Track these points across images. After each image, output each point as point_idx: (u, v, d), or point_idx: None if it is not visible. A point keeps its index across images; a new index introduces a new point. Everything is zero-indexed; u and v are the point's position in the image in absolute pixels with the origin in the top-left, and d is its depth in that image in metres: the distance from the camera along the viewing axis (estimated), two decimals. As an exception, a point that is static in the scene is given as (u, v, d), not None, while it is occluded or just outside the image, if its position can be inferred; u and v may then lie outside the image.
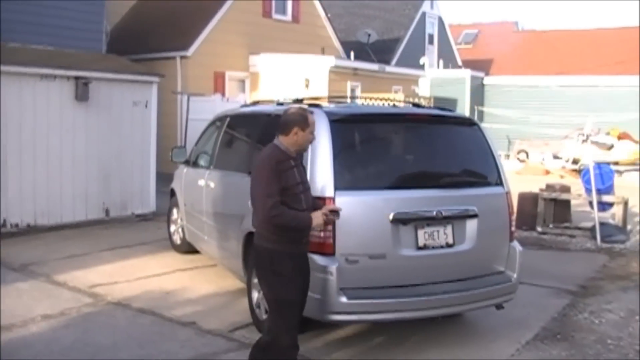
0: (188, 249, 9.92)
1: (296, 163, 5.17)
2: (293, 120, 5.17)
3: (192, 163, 9.67)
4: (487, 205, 6.54)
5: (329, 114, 6.21)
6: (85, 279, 8.63)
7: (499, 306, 6.74)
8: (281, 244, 5.05)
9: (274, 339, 5.12)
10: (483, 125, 7.23)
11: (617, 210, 12.92)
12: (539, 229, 12.91)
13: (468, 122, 7.06)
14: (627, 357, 6.45)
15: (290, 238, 5.07)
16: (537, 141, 28.86)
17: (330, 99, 8.57)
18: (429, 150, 6.70)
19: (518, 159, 29.08)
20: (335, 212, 5.20)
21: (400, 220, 5.93)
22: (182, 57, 20.02)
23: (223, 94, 19.90)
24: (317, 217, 5.06)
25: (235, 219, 7.37)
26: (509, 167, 26.62)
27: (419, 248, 6.09)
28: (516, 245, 6.82)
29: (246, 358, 5.33)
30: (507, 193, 6.78)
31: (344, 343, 6.61)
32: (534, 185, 14.60)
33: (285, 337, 5.11)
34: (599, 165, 13.31)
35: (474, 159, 6.89)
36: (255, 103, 9.10)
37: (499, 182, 6.79)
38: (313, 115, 5.27)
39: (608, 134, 27.20)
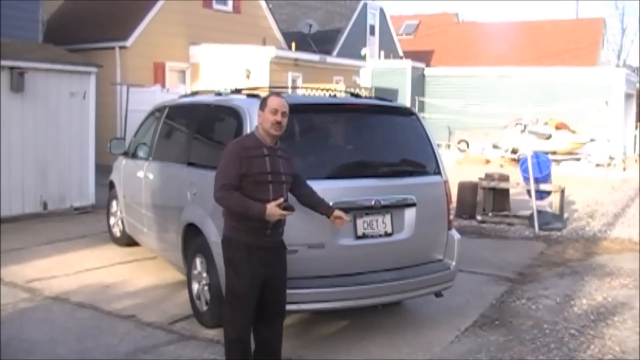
0: (128, 241, 9.82)
1: (270, 152, 5.08)
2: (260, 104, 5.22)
3: (131, 154, 9.56)
4: (425, 194, 6.60)
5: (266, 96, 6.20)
6: (22, 274, 8.46)
7: (438, 294, 6.81)
8: (238, 232, 5.08)
9: (223, 329, 5.28)
10: (424, 115, 7.30)
11: (554, 198, 13.17)
12: (479, 217, 13.09)
13: (406, 112, 7.10)
14: (563, 340, 6.58)
15: (249, 227, 5.02)
16: (477, 131, 29.21)
17: (271, 89, 8.54)
18: (367, 140, 6.72)
19: (458, 148, 29.41)
20: (289, 208, 5.08)
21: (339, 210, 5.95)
22: (121, 48, 19.79)
23: (163, 85, 19.70)
24: (273, 209, 4.93)
25: (174, 211, 7.31)
26: (449, 156, 26.98)
27: (358, 237, 6.12)
28: (454, 233, 6.89)
29: (187, 350, 5.33)
30: (445, 182, 6.84)
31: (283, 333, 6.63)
32: (474, 174, 14.78)
33: (229, 329, 5.19)
34: (536, 154, 13.54)
35: (412, 149, 6.94)
36: (194, 94, 9.03)
37: (437, 171, 6.85)
38: (279, 97, 5.22)
39: (546, 124, 27.67)
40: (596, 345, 6.50)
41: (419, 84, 32.48)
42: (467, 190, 13.49)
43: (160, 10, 20.80)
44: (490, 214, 13.20)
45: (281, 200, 5.01)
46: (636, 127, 35.92)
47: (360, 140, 6.72)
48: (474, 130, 29.45)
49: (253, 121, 6.03)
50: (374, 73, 29.54)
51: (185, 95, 9.31)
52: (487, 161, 26.29)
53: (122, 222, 9.87)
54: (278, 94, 5.36)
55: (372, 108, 6.96)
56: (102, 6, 21.62)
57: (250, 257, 5.03)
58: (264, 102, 5.14)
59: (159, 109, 9.10)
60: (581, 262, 10.03)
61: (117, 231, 10.22)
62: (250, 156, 5.00)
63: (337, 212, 5.53)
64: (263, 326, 5.30)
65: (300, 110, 6.41)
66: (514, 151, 25.94)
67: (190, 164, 7.26)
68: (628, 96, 32.70)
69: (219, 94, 7.49)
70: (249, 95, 6.64)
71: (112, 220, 10.39)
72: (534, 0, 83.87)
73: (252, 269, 5.03)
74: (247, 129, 6.08)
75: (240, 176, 4.96)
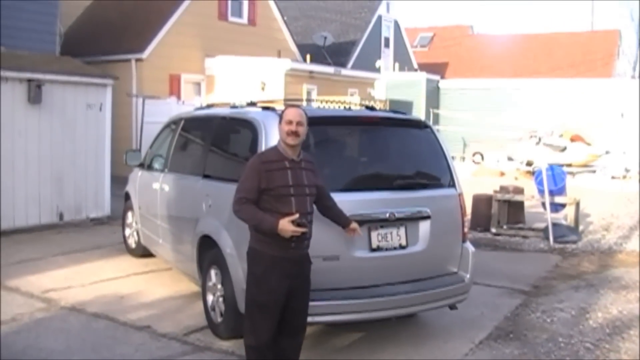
0: (143, 252, 9.86)
1: (292, 165, 5.13)
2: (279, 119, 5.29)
3: (147, 166, 9.61)
4: (440, 206, 6.61)
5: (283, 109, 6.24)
6: (38, 284, 8.53)
7: (452, 306, 6.80)
8: (263, 244, 5.11)
9: (244, 338, 5.34)
10: (438, 127, 7.32)
11: (569, 211, 13.12)
12: (493, 230, 13.06)
13: (421, 125, 7.10)
14: (578, 354, 6.57)
15: (274, 240, 5.03)
16: (492, 143, 29.10)
17: (286, 101, 8.58)
18: (382, 152, 6.75)
19: (473, 161, 29.32)
20: (303, 224, 5.03)
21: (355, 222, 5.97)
22: (137, 60, 19.95)
23: (178, 97, 19.86)
24: (285, 225, 4.93)
25: (189, 223, 7.35)
26: (464, 169, 26.91)
27: (373, 250, 6.14)
28: (469, 246, 6.90)
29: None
30: (460, 194, 6.85)
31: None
32: (489, 186, 14.77)
33: (248, 337, 5.25)
34: (551, 166, 13.52)
35: (426, 161, 6.95)
36: (209, 106, 9.08)
37: (452, 184, 6.86)
38: (295, 108, 5.32)
39: (561, 136, 27.56)
40: (612, 359, 6.47)
41: (433, 96, 32.44)
42: (482, 202, 13.47)
43: (175, 23, 20.96)
44: (505, 227, 13.17)
45: (296, 216, 4.99)
46: (652, 139, 35.74)
47: (374, 153, 6.74)
48: (488, 142, 29.35)
49: (268, 134, 6.08)
50: (389, 85, 29.55)
51: (201, 108, 9.35)
52: (502, 173, 26.17)
53: (138, 233, 9.92)
54: (295, 106, 5.44)
55: (386, 121, 6.97)
56: (119, 19, 21.81)
57: (274, 269, 5.07)
58: (281, 116, 5.23)
59: (175, 121, 9.15)
60: (596, 274, 9.99)
61: (132, 242, 10.27)
62: (271, 169, 5.06)
63: (353, 225, 5.63)
64: (283, 338, 5.31)
65: (314, 122, 6.44)
66: (529, 163, 25.81)
67: (205, 176, 7.30)
68: (644, 108, 32.54)
69: (234, 106, 7.54)
70: (264, 108, 6.68)
71: (127, 232, 10.45)
72: (549, 12, 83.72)
73: (275, 281, 5.08)
74: (263, 141, 6.12)
75: (258, 190, 5.03)
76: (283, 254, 5.08)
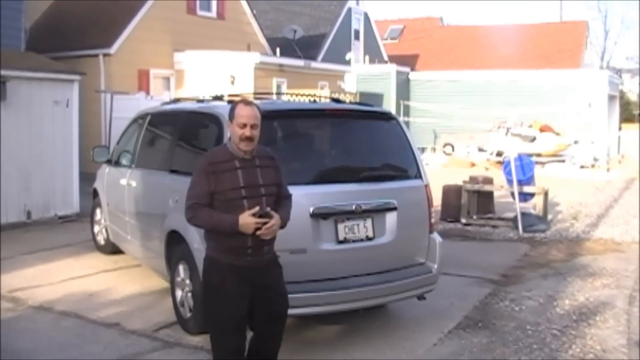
0: (112, 249, 9.80)
1: (244, 164, 4.65)
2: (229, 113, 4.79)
3: (114, 162, 9.56)
4: (407, 198, 6.64)
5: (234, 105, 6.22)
6: (5, 284, 8.41)
7: (420, 297, 6.85)
8: (217, 252, 4.73)
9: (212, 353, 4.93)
10: (409, 119, 7.34)
11: (538, 200, 13.25)
12: (463, 220, 13.15)
13: (387, 117, 7.12)
14: (544, 341, 6.64)
15: (228, 247, 4.65)
16: (463, 134, 29.31)
17: (256, 95, 8.58)
18: (349, 145, 6.76)
19: (444, 152, 29.50)
20: (267, 215, 4.59)
21: (320, 215, 5.99)
22: (105, 55, 19.74)
23: (148, 92, 19.69)
24: (246, 218, 4.48)
25: (157, 218, 7.32)
26: (435, 160, 27.13)
27: (340, 242, 6.15)
28: (436, 236, 6.94)
29: (171, 357, 5.29)
30: (426, 186, 6.88)
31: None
32: (460, 177, 14.85)
33: (214, 353, 4.85)
34: (520, 157, 13.62)
35: (393, 153, 6.98)
36: (176, 100, 9.05)
37: (418, 175, 6.89)
38: (250, 105, 4.73)
39: (530, 126, 27.81)
40: (578, 345, 6.56)
41: (404, 88, 32.55)
42: (452, 193, 13.54)
43: (144, 17, 20.78)
44: (474, 217, 13.26)
45: (256, 208, 4.53)
46: (619, 129, 36.14)
47: (341, 145, 6.76)
48: (459, 133, 29.55)
49: (234, 128, 6.06)
50: (359, 78, 29.60)
51: (168, 103, 9.31)
52: (473, 164, 26.37)
53: (106, 230, 9.86)
54: (249, 102, 4.84)
55: (353, 113, 7.00)
56: (85, 14, 21.57)
57: (232, 277, 4.66)
58: (232, 112, 4.72)
59: (142, 117, 9.11)
60: (564, 263, 10.10)
61: (101, 239, 10.20)
62: (220, 171, 4.63)
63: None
64: (258, 337, 4.96)
65: (282, 116, 6.46)
66: (499, 154, 26.04)
67: (172, 171, 7.27)
68: (611, 98, 32.88)
69: (200, 100, 7.51)
70: (230, 102, 6.65)
71: (96, 229, 10.38)
72: (519, 1, 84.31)
73: (234, 290, 4.66)
74: (228, 136, 6.09)
75: (210, 193, 4.62)
76: (241, 262, 4.66)
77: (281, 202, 4.88)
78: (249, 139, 4.62)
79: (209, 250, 4.81)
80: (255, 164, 4.73)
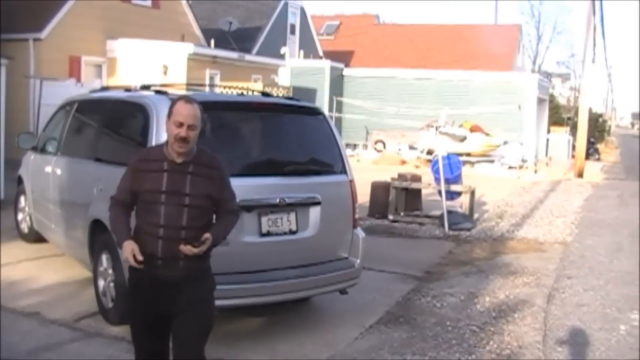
0: (36, 238, 9.62)
1: (172, 168, 4.20)
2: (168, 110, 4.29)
3: (40, 149, 9.40)
4: (331, 193, 6.70)
5: (174, 100, 6.19)
6: None
7: (343, 291, 6.92)
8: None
9: None
10: (341, 115, 7.39)
11: (465, 199, 13.48)
12: (391, 217, 13.28)
13: (314, 112, 7.17)
14: (463, 337, 6.79)
15: (141, 250, 4.18)
16: (394, 132, 29.58)
17: (189, 86, 8.54)
18: (275, 138, 6.79)
19: (375, 149, 29.72)
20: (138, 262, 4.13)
21: (243, 208, 5.97)
22: (35, 40, 19.42)
23: (79, 79, 19.43)
24: (126, 246, 4.16)
25: (81, 207, 7.24)
26: (366, 156, 27.30)
27: (263, 235, 6.18)
28: (359, 232, 7.01)
29: (91, 347, 5.20)
30: (351, 181, 6.95)
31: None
32: (390, 174, 15.00)
33: (135, 352, 4.53)
34: (448, 156, 13.83)
35: (319, 148, 7.03)
36: (104, 89, 8.96)
37: (343, 171, 6.96)
38: (189, 103, 4.24)
39: (461, 126, 28.24)
40: (495, 341, 6.73)
41: (337, 84, 32.70)
42: (380, 190, 13.67)
43: (76, 3, 20.49)
44: (402, 214, 13.42)
45: (140, 257, 4.11)
46: (548, 132, 36.93)
47: (267, 139, 6.79)
48: (391, 131, 29.80)
49: (160, 118, 6.03)
50: (293, 72, 29.63)
51: (96, 90, 9.20)
52: (403, 162, 26.66)
53: (30, 218, 9.68)
54: (189, 99, 4.30)
55: (280, 107, 7.03)
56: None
57: (142, 287, 4.29)
58: (171, 108, 4.25)
59: (69, 104, 8.98)
60: (487, 261, 10.32)
61: (25, 227, 10.01)
62: (147, 170, 4.25)
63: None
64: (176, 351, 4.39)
65: (208, 108, 6.42)
66: (430, 152, 26.32)
67: (97, 159, 7.20)
68: (541, 101, 33.58)
69: (128, 89, 7.46)
70: (157, 92, 6.63)
71: (20, 216, 10.18)
72: (454, 1, 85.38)
73: (140, 301, 4.34)
74: (154, 126, 6.08)
75: (131, 192, 4.29)
76: (151, 272, 4.20)
77: (219, 217, 4.40)
78: (184, 139, 4.12)
79: None
80: (186, 169, 4.22)
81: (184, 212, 4.18)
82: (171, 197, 4.17)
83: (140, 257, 4.10)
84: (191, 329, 4.31)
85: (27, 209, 9.84)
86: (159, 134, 5.98)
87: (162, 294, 4.22)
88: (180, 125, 4.12)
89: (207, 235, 4.13)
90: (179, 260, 4.17)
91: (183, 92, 7.54)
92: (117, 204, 4.38)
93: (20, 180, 10.23)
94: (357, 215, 7.02)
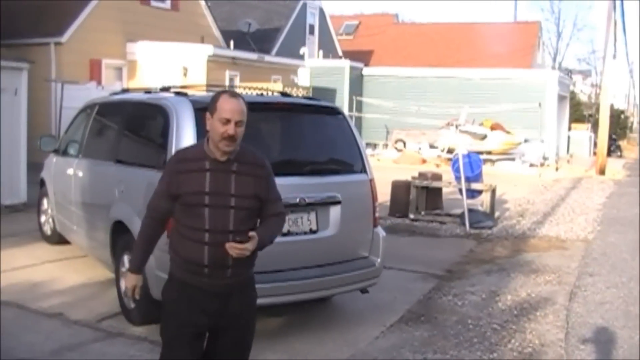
0: (59, 239, 9.70)
1: (215, 166, 3.86)
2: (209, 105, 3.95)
3: (62, 152, 9.48)
4: (351, 192, 6.70)
5: (193, 102, 6.24)
6: (-53, 273, 8.31)
7: (363, 290, 6.93)
8: (173, 263, 4.04)
9: None
10: (361, 115, 7.40)
11: (485, 197, 13.44)
12: (411, 216, 13.26)
13: (334, 112, 7.18)
14: (485, 335, 6.76)
15: (182, 262, 3.96)
16: (414, 131, 29.56)
17: (208, 87, 8.58)
18: (295, 138, 6.82)
19: (396, 148, 29.70)
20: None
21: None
22: (56, 44, 19.60)
23: (99, 82, 19.54)
24: (129, 280, 4.13)
25: (102, 209, 7.29)
26: (386, 156, 27.28)
27: (283, 234, 6.17)
28: (380, 230, 7.01)
29: (113, 347, 5.20)
30: (371, 180, 6.95)
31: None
32: (410, 173, 14.98)
33: None
34: (468, 154, 13.79)
35: (339, 147, 7.04)
36: (125, 91, 9.02)
37: (363, 170, 6.96)
38: (235, 98, 3.90)
39: (481, 124, 28.14)
40: (517, 339, 6.69)
41: (357, 84, 32.67)
42: (401, 189, 13.66)
43: (96, 6, 20.62)
44: (422, 213, 13.39)
45: (136, 291, 4.09)
46: (569, 129, 36.74)
47: (287, 139, 6.81)
48: (411, 130, 29.78)
49: (180, 119, 6.08)
50: (313, 72, 29.65)
51: (116, 93, 9.27)
52: (424, 161, 26.61)
53: (53, 220, 9.77)
54: (233, 93, 3.98)
55: (299, 107, 7.05)
56: (37, 1, 21.30)
57: (184, 298, 3.95)
58: (213, 104, 3.89)
59: (90, 106, 9.05)
60: (509, 259, 10.27)
61: (47, 229, 10.10)
62: (186, 170, 3.89)
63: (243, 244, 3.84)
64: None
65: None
66: (450, 151, 26.26)
67: (118, 161, 7.25)
68: (561, 98, 33.42)
69: (148, 91, 7.51)
70: (177, 94, 6.66)
71: (42, 218, 10.28)
72: (473, 1, 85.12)
73: (182, 315, 3.95)
74: (174, 127, 6.10)
75: (169, 196, 3.92)
76: (196, 281, 3.90)
77: (265, 219, 4.09)
78: (231, 138, 3.79)
79: (170, 261, 4.06)
80: (230, 168, 3.90)
81: (230, 214, 3.86)
82: (216, 198, 3.84)
83: (137, 298, 4.16)
84: (233, 348, 4.11)
85: (49, 211, 9.93)
86: (179, 136, 6.02)
87: (206, 306, 3.92)
88: (227, 122, 3.78)
89: (252, 233, 3.83)
90: (226, 267, 3.87)
91: (203, 93, 7.57)
92: (149, 216, 4.07)
93: (42, 183, 10.33)
94: (377, 214, 7.02)
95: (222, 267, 3.86)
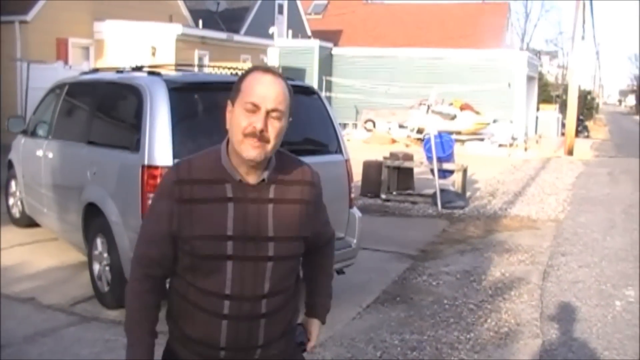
0: (28, 222, 9.54)
1: (242, 193, 2.47)
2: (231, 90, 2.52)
3: (30, 133, 9.31)
4: (327, 172, 6.58)
5: (167, 81, 6.12)
6: None
7: (339, 271, 6.87)
8: (175, 339, 2.68)
9: None
10: (331, 95, 7.34)
11: (457, 177, 13.50)
12: (383, 196, 13.28)
13: (308, 91, 7.12)
14: (461, 315, 6.80)
15: (190, 336, 2.59)
16: (384, 111, 29.57)
17: (178, 67, 8.46)
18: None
19: (365, 128, 29.70)
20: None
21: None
22: (21, 22, 19.16)
23: (66, 62, 19.24)
24: None
25: (74, 191, 7.16)
26: (356, 136, 27.27)
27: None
28: (355, 211, 6.99)
29: (88, 331, 5.14)
30: (347, 161, 6.91)
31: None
32: (380, 153, 15.00)
33: None
34: (440, 134, 13.82)
35: (314, 128, 6.97)
36: (95, 70, 8.87)
37: (339, 150, 6.93)
38: (273, 75, 2.47)
39: (451, 104, 28.23)
40: (493, 318, 6.74)
41: (326, 64, 32.61)
42: (372, 169, 13.66)
43: (62, -15, 20.26)
44: (394, 193, 13.41)
45: None
46: (537, 110, 36.99)
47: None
48: (380, 110, 29.80)
49: (154, 99, 5.96)
50: (282, 52, 29.50)
51: (86, 72, 9.11)
52: (394, 141, 26.65)
53: (22, 203, 9.60)
54: (268, 69, 2.51)
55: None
56: (1, -21, 20.94)
57: None
58: (239, 84, 2.48)
59: (59, 86, 8.88)
60: (482, 239, 10.33)
61: (16, 212, 9.94)
62: (195, 200, 2.47)
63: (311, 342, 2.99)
64: None
65: (201, 88, 6.39)
66: (420, 131, 26.38)
67: (90, 142, 7.13)
68: (530, 79, 33.63)
69: (120, 71, 7.38)
70: (150, 73, 6.55)
71: (11, 201, 10.11)
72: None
73: None
74: (148, 108, 5.97)
75: (172, 238, 2.50)
76: (192, 357, 2.61)
77: (313, 257, 2.92)
78: (259, 135, 2.41)
79: (169, 332, 2.72)
80: (265, 195, 2.52)
81: (266, 269, 2.50)
82: (244, 245, 2.46)
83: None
84: None
85: (18, 193, 9.76)
86: (153, 116, 5.89)
87: None
88: (255, 109, 2.40)
89: (314, 320, 3.04)
90: (254, 348, 2.58)
91: (172, 72, 7.44)
92: (143, 273, 2.57)
93: (10, 165, 10.14)
94: (353, 195, 6.99)
95: (248, 349, 2.57)
